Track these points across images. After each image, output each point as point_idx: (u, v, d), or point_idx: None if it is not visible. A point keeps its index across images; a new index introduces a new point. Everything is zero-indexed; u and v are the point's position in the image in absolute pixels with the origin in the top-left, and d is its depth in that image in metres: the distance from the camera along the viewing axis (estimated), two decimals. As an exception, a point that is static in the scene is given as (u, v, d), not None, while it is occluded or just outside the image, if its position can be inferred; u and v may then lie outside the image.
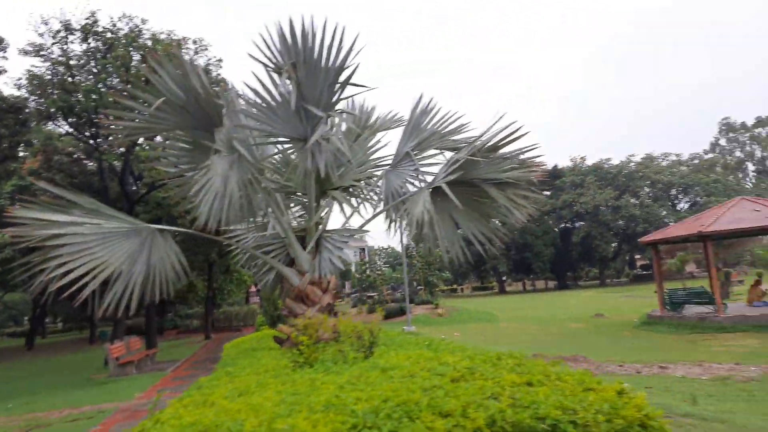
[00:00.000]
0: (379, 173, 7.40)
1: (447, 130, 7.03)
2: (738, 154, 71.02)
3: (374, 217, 6.90)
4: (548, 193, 60.18)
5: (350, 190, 7.18)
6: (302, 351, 3.92)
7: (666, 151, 79.32)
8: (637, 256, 62.52)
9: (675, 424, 5.48)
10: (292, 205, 7.66)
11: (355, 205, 7.13)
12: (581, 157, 62.74)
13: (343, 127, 6.99)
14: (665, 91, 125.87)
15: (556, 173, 61.21)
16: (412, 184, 7.04)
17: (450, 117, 7.03)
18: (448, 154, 6.74)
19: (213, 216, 5.06)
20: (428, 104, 7.12)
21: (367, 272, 58.29)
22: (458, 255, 6.56)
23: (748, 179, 68.48)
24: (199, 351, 20.45)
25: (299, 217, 7.76)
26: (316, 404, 2.54)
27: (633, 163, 60.76)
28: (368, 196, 7.19)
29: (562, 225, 59.62)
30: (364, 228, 6.90)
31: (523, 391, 2.66)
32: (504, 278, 64.08)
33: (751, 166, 70.40)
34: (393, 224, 7.00)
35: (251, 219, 6.81)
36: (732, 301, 19.28)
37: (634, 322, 17.46)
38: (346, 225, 7.30)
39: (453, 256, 6.50)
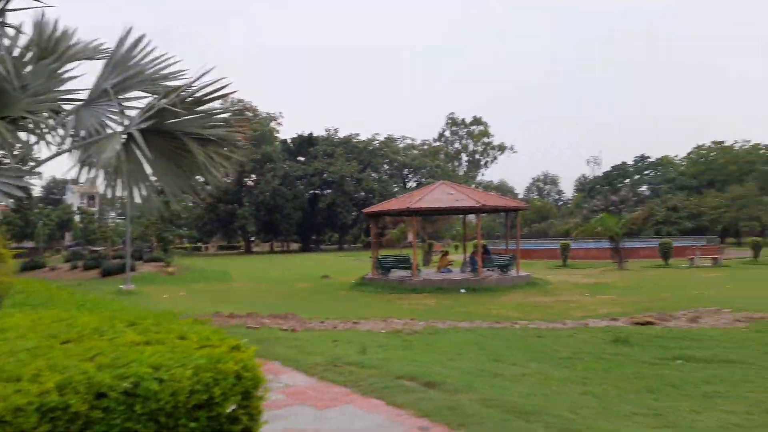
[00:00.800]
0: (70, 108, 6.39)
1: (159, 74, 6.42)
2: (457, 145, 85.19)
3: (52, 158, 5.93)
4: (303, 159, 62.22)
5: (22, 123, 6.00)
6: None
7: (404, 134, 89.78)
8: (372, 225, 69.98)
9: (337, 371, 6.26)
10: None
11: (32, 141, 6.03)
12: (335, 129, 66.45)
13: (17, 51, 5.74)
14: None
15: (311, 141, 63.54)
16: (110, 127, 6.28)
17: (166, 60, 6.41)
18: (159, 101, 6.20)
19: None
20: (141, 40, 6.38)
21: (94, 223, 51.24)
22: (152, 209, 6.15)
23: (461, 168, 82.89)
24: None
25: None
26: None
27: (377, 141, 67.16)
28: (49, 133, 6.14)
29: (312, 191, 62.47)
30: (36, 170, 5.87)
31: (133, 350, 2.61)
32: (252, 238, 64.18)
33: (465, 157, 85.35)
34: (81, 168, 6.18)
35: None
36: (429, 268, 23.19)
37: (351, 283, 19.49)
38: (16, 164, 6.12)
39: (144, 210, 6.07)
